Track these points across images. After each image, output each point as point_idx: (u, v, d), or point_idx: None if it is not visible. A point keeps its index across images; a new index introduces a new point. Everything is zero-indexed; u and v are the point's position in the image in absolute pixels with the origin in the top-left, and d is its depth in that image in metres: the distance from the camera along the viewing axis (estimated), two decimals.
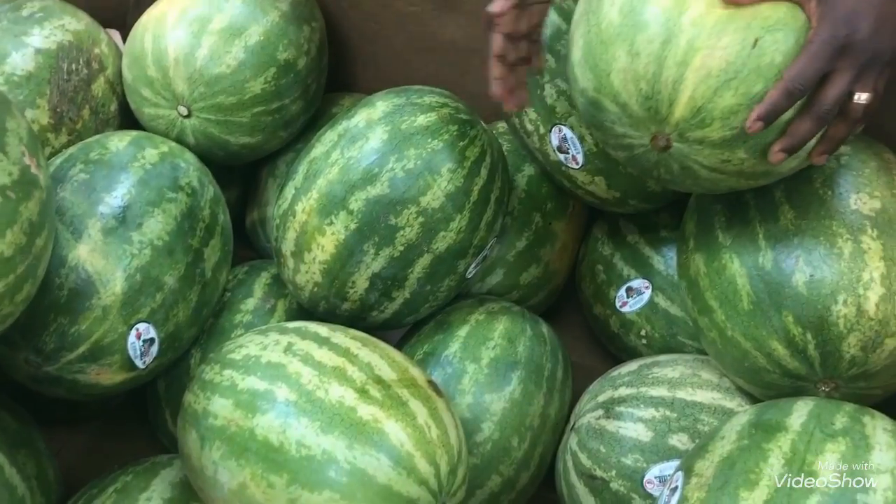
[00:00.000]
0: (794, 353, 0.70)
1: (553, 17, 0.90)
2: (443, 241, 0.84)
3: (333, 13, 1.12)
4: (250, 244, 1.12)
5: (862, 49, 0.59)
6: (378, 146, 0.83)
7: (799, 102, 0.60)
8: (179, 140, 0.96)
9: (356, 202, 0.82)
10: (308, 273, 0.86)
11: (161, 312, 0.82)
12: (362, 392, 0.69)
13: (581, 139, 0.90)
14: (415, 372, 0.73)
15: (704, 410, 0.79)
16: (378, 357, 0.74)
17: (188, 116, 0.95)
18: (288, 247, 0.88)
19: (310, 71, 1.02)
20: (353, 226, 0.82)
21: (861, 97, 0.60)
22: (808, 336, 0.69)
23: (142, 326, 0.81)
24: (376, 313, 0.87)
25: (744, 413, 0.68)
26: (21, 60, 0.90)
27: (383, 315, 0.88)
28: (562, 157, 0.92)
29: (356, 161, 0.83)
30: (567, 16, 0.90)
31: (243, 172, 1.12)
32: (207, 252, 0.88)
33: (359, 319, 0.88)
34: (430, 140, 0.83)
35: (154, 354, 0.83)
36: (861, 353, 0.68)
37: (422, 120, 0.84)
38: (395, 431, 0.67)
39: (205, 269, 0.87)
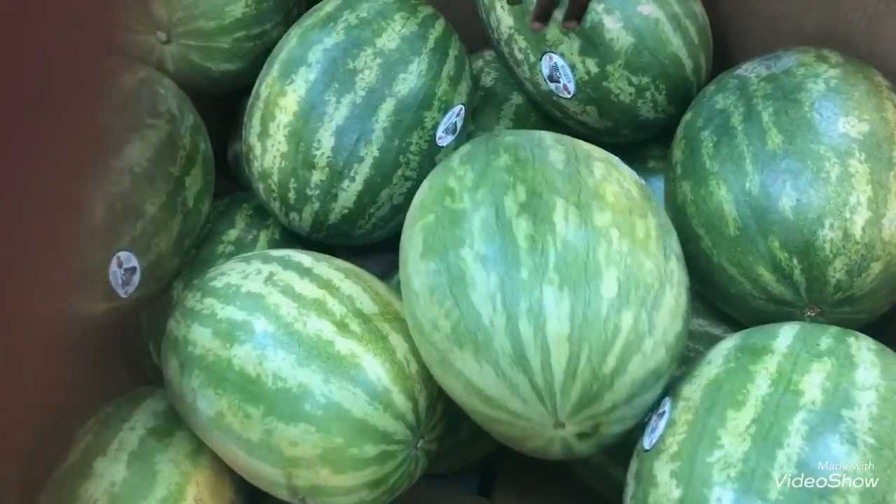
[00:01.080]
0: (780, 279, 0.70)
1: None
2: (404, 84, 0.84)
3: None
4: (232, 177, 1.10)
5: None
6: (332, 10, 0.87)
7: None
8: (158, 67, 0.93)
9: (314, 54, 0.84)
10: (273, 148, 0.85)
11: (142, 241, 0.81)
12: (341, 325, 0.68)
13: (572, 67, 0.88)
14: (398, 306, 0.73)
15: (691, 337, 0.79)
16: (360, 290, 0.73)
17: (167, 42, 0.92)
18: (254, 132, 0.87)
19: None
20: (312, 77, 0.83)
21: None
22: (795, 261, 0.69)
23: (123, 255, 0.79)
24: (347, 183, 0.84)
25: (730, 338, 0.68)
26: None
27: (355, 185, 0.84)
28: (553, 86, 0.91)
29: (311, 25, 0.86)
30: None
31: (225, 103, 1.09)
32: (189, 181, 0.86)
33: (331, 198, 0.85)
34: None
35: (136, 284, 0.82)
36: (847, 278, 0.68)
37: None
38: (373, 366, 0.66)
39: (186, 198, 0.86)
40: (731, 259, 0.73)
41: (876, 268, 0.68)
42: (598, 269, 0.61)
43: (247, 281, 0.73)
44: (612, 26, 0.86)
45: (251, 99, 0.90)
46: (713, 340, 0.77)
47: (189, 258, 0.90)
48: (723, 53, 0.93)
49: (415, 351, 0.68)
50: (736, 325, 0.78)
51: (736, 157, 0.73)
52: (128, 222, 0.79)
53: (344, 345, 0.67)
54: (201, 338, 0.71)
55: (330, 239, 0.90)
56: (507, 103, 1.00)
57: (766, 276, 0.71)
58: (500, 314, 0.60)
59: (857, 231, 0.68)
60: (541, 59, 0.90)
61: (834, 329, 0.65)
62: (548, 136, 0.72)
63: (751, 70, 0.80)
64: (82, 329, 0.81)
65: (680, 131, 0.83)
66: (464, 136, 0.92)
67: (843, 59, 0.78)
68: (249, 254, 0.81)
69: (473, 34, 1.00)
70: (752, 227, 0.71)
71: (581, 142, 0.74)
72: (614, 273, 0.61)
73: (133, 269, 0.81)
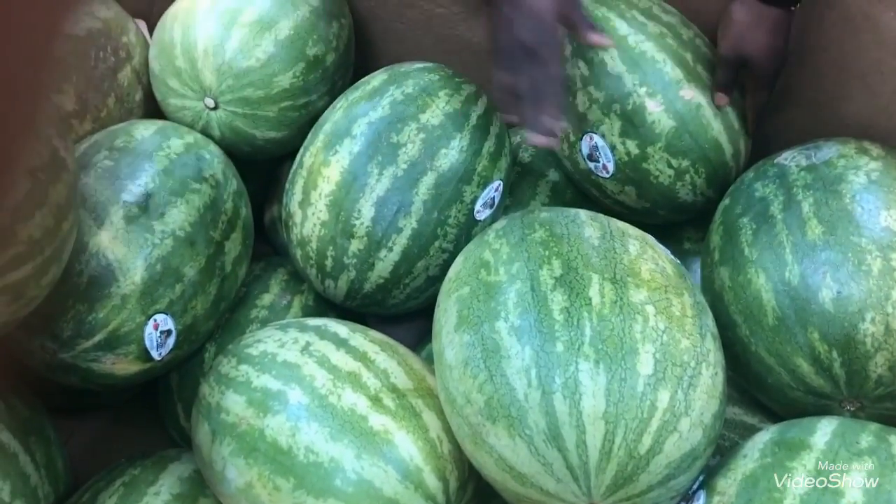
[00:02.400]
0: (819, 371, 0.69)
1: None
2: (445, 159, 0.85)
3: (361, 11, 1.12)
4: (268, 240, 1.12)
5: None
6: (378, 85, 0.90)
7: None
8: (205, 132, 0.95)
9: (359, 127, 0.86)
10: (314, 216, 0.86)
11: (179, 304, 0.81)
12: (375, 400, 0.68)
13: (612, 148, 0.89)
14: (432, 381, 0.72)
15: (726, 425, 0.77)
16: (395, 364, 0.73)
17: (215, 108, 0.94)
18: (296, 199, 0.89)
19: (337, 67, 1.02)
20: (356, 149, 0.85)
21: None
22: (834, 354, 0.68)
23: (160, 317, 0.80)
24: (385, 252, 0.85)
25: (766, 431, 0.66)
26: None
27: (392, 255, 0.85)
28: (592, 165, 0.92)
29: (358, 98, 0.89)
30: (598, 22, 0.89)
31: (265, 167, 1.11)
32: (228, 245, 0.87)
33: (368, 267, 0.86)
34: (426, 74, 0.90)
35: (170, 346, 0.82)
36: (888, 373, 0.67)
37: (418, 66, 0.92)
38: (406, 444, 0.66)
39: (225, 263, 0.87)
40: (768, 348, 0.72)
41: None
42: (635, 345, 0.60)
43: (283, 349, 0.74)
44: (654, 109, 0.87)
45: (294, 166, 0.91)
46: (748, 430, 0.76)
47: (223, 321, 0.91)
48: (762, 140, 0.94)
49: (448, 429, 0.68)
50: (772, 414, 0.77)
51: (775, 246, 0.73)
52: (167, 285, 0.80)
53: (377, 420, 0.67)
54: (235, 405, 0.71)
55: (363, 308, 0.90)
56: (543, 179, 1.01)
57: (805, 367, 0.70)
58: (535, 389, 0.60)
59: None
60: (581, 139, 0.91)
61: (874, 426, 0.64)
62: (582, 213, 0.73)
63: (790, 159, 0.80)
64: None
65: (718, 217, 0.83)
66: (501, 210, 0.93)
67: (885, 152, 0.78)
68: (286, 321, 0.81)
69: None
70: (791, 318, 0.70)
71: (615, 220, 0.74)
72: (650, 350, 0.60)
73: (169, 332, 0.82)
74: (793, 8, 0.80)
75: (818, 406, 0.71)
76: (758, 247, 0.74)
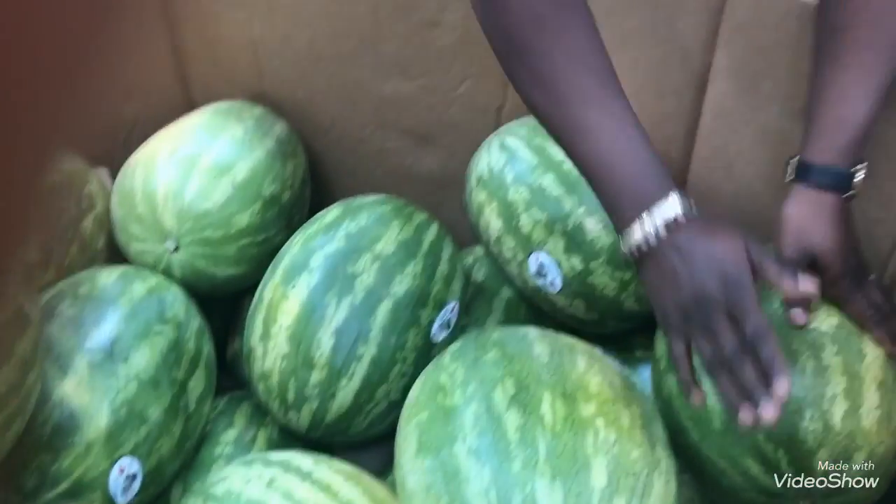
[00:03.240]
0: (768, 471, 0.72)
1: (525, 153, 0.96)
2: (400, 285, 0.88)
3: (315, 148, 1.18)
4: (232, 373, 1.13)
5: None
6: (332, 219, 0.94)
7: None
8: (166, 273, 0.98)
9: (316, 260, 0.89)
10: (274, 349, 0.88)
11: (145, 446, 0.82)
12: None
13: (558, 264, 0.94)
14: None
15: None
16: (360, 492, 0.74)
17: (176, 251, 0.98)
18: (256, 334, 0.91)
19: (293, 203, 1.06)
20: (313, 281, 0.88)
21: None
22: (780, 452, 0.71)
23: (125, 461, 0.81)
24: (345, 381, 0.87)
25: None
26: None
27: (353, 384, 0.87)
28: (540, 281, 0.96)
29: (314, 233, 0.93)
30: (536, 150, 0.95)
31: (226, 302, 1.14)
32: (192, 384, 0.89)
33: (329, 397, 0.87)
34: (378, 206, 0.95)
35: (136, 490, 0.83)
36: (834, 467, 0.70)
37: (370, 199, 0.97)
38: None
39: (189, 401, 0.88)
40: (719, 452, 0.74)
41: (859, 457, 0.70)
42: (587, 459, 0.63)
43: (248, 486, 0.74)
44: (593, 227, 0.92)
45: (254, 302, 0.94)
46: None
47: (189, 460, 0.91)
48: None
49: None
50: None
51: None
52: (132, 428, 0.81)
53: None
54: None
55: (327, 437, 0.92)
56: (497, 297, 1.05)
57: (755, 468, 0.72)
58: None
59: (836, 422, 0.70)
60: (528, 258, 0.96)
61: None
62: (532, 331, 0.76)
63: None
64: None
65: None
66: (458, 330, 0.96)
67: None
68: (251, 457, 0.82)
69: (465, 232, 1.07)
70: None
71: (564, 335, 0.78)
72: (603, 462, 0.63)
73: (134, 476, 0.82)
74: (845, 196, 0.72)
75: None
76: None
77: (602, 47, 0.68)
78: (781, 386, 0.61)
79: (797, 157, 0.74)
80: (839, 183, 0.72)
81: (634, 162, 0.65)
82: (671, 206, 0.64)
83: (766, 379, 0.61)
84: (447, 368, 0.74)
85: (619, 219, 0.67)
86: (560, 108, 0.67)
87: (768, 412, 0.61)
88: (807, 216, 0.72)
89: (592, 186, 0.69)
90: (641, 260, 0.67)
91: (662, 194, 0.65)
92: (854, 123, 0.71)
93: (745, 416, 0.62)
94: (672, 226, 0.64)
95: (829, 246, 0.71)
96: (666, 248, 0.64)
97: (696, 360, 0.67)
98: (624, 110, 0.66)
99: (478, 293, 1.06)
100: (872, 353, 0.74)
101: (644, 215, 0.65)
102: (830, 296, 0.73)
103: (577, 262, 0.93)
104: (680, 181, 1.04)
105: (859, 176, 0.73)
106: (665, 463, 0.67)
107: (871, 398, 0.71)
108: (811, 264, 0.72)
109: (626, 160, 0.65)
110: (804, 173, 0.73)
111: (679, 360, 0.67)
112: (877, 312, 0.73)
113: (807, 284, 0.64)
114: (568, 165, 0.93)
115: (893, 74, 0.73)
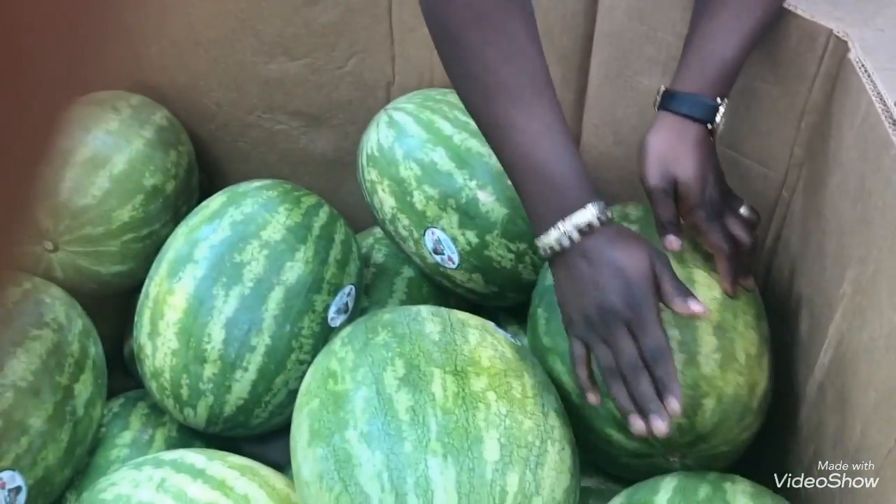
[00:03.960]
0: (628, 435, 0.72)
1: (414, 128, 0.94)
2: (291, 272, 0.86)
3: (202, 136, 1.14)
4: (131, 373, 1.09)
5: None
6: (216, 208, 0.90)
7: None
8: (47, 275, 0.93)
9: (200, 251, 0.86)
10: (164, 346, 0.85)
11: (28, 457, 0.78)
12: None
13: (454, 240, 0.93)
14: (297, 498, 0.72)
15: (592, 495, 0.79)
16: (256, 486, 0.72)
17: (55, 251, 0.93)
18: (145, 331, 0.87)
19: (179, 194, 1.02)
20: (199, 273, 0.85)
21: None
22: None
23: (5, 475, 0.76)
24: (240, 373, 0.84)
25: (617, 497, 0.69)
26: None
27: (248, 375, 0.84)
28: (438, 258, 0.95)
29: (198, 223, 0.89)
30: (425, 125, 0.94)
31: (119, 301, 1.10)
32: (78, 388, 0.85)
33: (225, 391, 0.84)
34: (265, 192, 0.92)
35: (22, 503, 0.79)
36: (686, 420, 0.71)
37: (256, 184, 0.93)
38: None
39: (76, 406, 0.84)
40: (586, 426, 0.75)
41: (709, 403, 0.71)
42: (479, 433, 0.62)
43: (137, 490, 0.72)
44: (486, 199, 0.91)
45: (141, 298, 0.91)
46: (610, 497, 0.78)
47: (82, 466, 0.88)
48: None
49: None
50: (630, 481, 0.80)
51: (561, 332, 0.74)
52: (11, 440, 0.77)
53: None
54: None
55: (228, 431, 0.89)
56: (398, 277, 1.04)
57: (615, 434, 0.73)
58: (389, 493, 0.60)
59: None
60: (424, 234, 0.94)
61: (712, 475, 0.67)
62: (424, 310, 0.75)
63: None
64: None
65: (530, 309, 0.87)
66: (357, 313, 0.94)
67: (643, 212, 0.85)
68: (141, 458, 0.79)
69: (364, 213, 1.05)
70: None
71: (457, 311, 0.77)
72: (495, 436, 0.62)
73: (18, 489, 0.78)
74: (710, 126, 0.73)
75: (649, 465, 0.74)
76: (550, 335, 0.78)
77: (539, 50, 0.68)
78: (674, 405, 0.62)
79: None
80: (702, 112, 0.72)
81: (557, 166, 0.66)
82: (587, 214, 0.65)
83: (659, 394, 0.63)
84: (337, 354, 0.72)
85: (538, 220, 0.68)
86: (488, 105, 0.67)
87: (660, 426, 0.62)
88: (669, 143, 0.73)
89: (515, 185, 0.69)
90: (554, 261, 0.68)
91: (581, 203, 0.66)
92: (722, 57, 0.72)
93: (637, 425, 0.64)
94: (586, 230, 0.65)
95: (688, 174, 0.72)
96: (576, 253, 0.66)
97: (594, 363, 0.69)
98: (552, 113, 0.67)
99: (379, 274, 1.04)
100: (706, 296, 0.73)
101: (560, 221, 0.66)
102: (688, 225, 0.74)
103: (472, 237, 0.92)
104: None
105: (722, 109, 0.73)
106: (559, 431, 0.67)
107: (707, 343, 0.72)
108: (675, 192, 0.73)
109: (550, 164, 0.66)
110: (668, 101, 0.74)
111: (577, 362, 0.68)
112: (731, 247, 0.73)
113: (696, 306, 0.65)
114: (458, 139, 0.92)
115: (769, 17, 0.74)
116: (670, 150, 0.72)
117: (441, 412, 0.63)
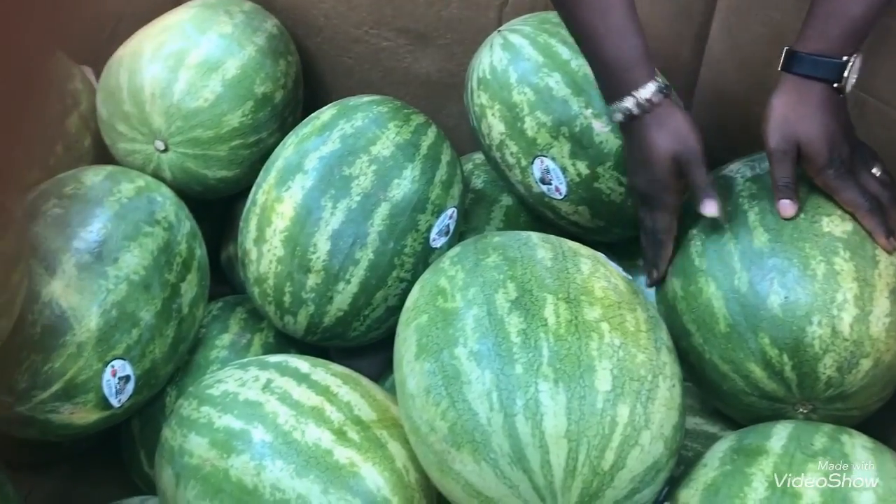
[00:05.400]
0: (771, 375, 0.71)
1: (530, 51, 0.91)
2: (398, 189, 0.86)
3: (308, 48, 1.13)
4: (226, 279, 1.11)
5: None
6: (327, 120, 0.90)
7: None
8: (156, 175, 0.95)
9: (310, 162, 0.87)
10: (270, 252, 0.86)
11: (137, 349, 0.81)
12: (340, 434, 0.68)
13: (563, 170, 0.91)
14: (396, 411, 0.72)
15: (688, 436, 0.78)
16: (359, 396, 0.73)
17: (165, 151, 0.94)
18: (250, 237, 0.89)
19: (286, 104, 1.02)
20: (308, 183, 0.86)
21: None
22: (785, 357, 0.70)
23: (117, 364, 0.79)
24: (343, 285, 0.85)
25: (725, 439, 0.68)
26: None
27: (350, 288, 0.85)
28: (545, 188, 0.93)
29: (308, 134, 0.89)
30: (542, 49, 0.91)
31: (219, 206, 1.11)
32: (184, 287, 0.87)
33: (327, 301, 0.86)
34: (375, 107, 0.91)
35: (130, 392, 0.81)
36: (837, 374, 0.69)
37: (367, 99, 0.93)
38: (372, 475, 0.66)
39: (181, 305, 0.86)
40: (722, 355, 0.73)
41: (866, 364, 0.69)
42: (592, 362, 0.61)
43: (244, 388, 0.73)
44: (601, 130, 0.89)
45: (248, 204, 0.92)
46: (710, 439, 0.77)
47: (183, 363, 0.90)
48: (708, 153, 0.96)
49: (414, 458, 0.68)
50: (732, 423, 0.78)
51: (724, 255, 0.75)
52: (123, 331, 0.79)
53: (343, 454, 0.66)
54: (198, 447, 0.70)
55: (324, 341, 0.90)
56: (497, 205, 1.02)
57: (758, 372, 0.71)
58: (498, 412, 0.60)
59: (845, 328, 0.69)
60: (532, 163, 0.93)
61: (828, 427, 0.66)
62: (534, 236, 0.74)
63: (736, 171, 0.82)
64: None
65: None
66: (457, 237, 0.94)
67: None
68: (246, 360, 0.81)
69: (463, 137, 1.04)
70: (741, 324, 0.72)
71: (567, 240, 0.75)
72: (607, 366, 0.61)
73: (127, 378, 0.81)
74: (836, 85, 0.71)
75: (773, 410, 0.73)
76: (707, 256, 0.76)
77: None
78: (655, 271, 0.80)
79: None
80: (825, 72, 0.71)
81: (622, 44, 0.75)
82: (647, 91, 0.74)
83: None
84: (447, 272, 0.72)
85: (607, 94, 0.78)
86: None
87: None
88: (791, 105, 0.72)
89: (588, 61, 0.79)
90: (623, 134, 0.80)
91: (643, 81, 0.74)
92: (848, 15, 0.70)
93: (647, 280, 0.81)
94: (646, 106, 0.75)
95: (811, 135, 0.71)
96: (628, 130, 0.77)
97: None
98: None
99: (477, 200, 1.03)
100: (886, 260, 0.72)
101: (628, 96, 0.75)
102: (820, 185, 0.73)
103: (583, 167, 0.90)
104: (690, 81, 1.00)
105: (852, 65, 0.71)
106: (670, 368, 0.66)
107: (881, 305, 0.70)
108: (798, 156, 0.73)
109: (617, 42, 0.75)
110: (790, 62, 0.72)
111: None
112: (868, 200, 0.72)
113: (706, 208, 0.73)
114: (575, 64, 0.89)
115: None
116: (791, 112, 0.72)
117: (553, 338, 0.62)
